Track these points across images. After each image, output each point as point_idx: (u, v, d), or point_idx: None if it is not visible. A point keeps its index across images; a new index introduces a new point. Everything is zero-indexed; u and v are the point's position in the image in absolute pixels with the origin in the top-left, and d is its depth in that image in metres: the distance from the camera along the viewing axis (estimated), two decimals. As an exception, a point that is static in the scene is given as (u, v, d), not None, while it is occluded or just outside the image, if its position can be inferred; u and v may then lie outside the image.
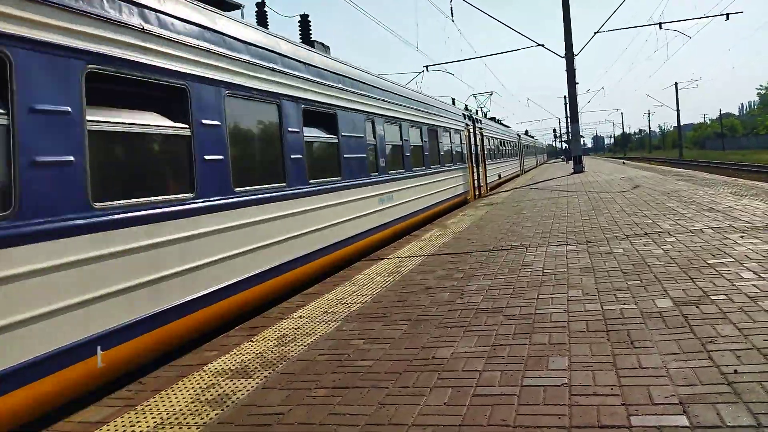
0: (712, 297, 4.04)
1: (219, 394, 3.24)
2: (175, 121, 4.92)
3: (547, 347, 3.42)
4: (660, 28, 26.58)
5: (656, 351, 3.14)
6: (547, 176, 27.37)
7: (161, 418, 2.99)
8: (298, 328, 4.53)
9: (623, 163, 38.69)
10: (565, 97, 60.04)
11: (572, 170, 27.13)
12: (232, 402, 3.11)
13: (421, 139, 12.94)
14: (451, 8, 24.18)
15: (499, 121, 33.37)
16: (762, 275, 4.45)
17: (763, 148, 66.47)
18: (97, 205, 3.97)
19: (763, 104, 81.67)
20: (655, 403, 2.52)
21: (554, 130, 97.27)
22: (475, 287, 5.25)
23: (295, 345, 4.07)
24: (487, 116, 15.63)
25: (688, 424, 2.30)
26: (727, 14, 25.14)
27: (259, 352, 3.98)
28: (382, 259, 7.61)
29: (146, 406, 3.18)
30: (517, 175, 35.00)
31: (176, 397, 3.26)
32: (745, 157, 48.00)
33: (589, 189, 16.02)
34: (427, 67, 26.62)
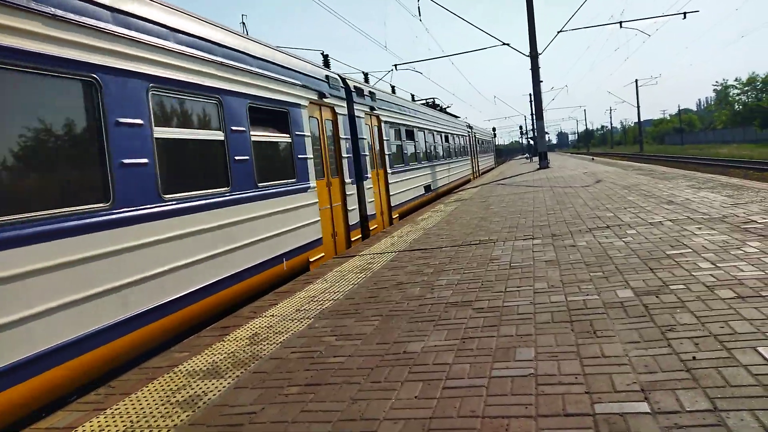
0: (671, 287, 4.20)
1: (190, 395, 3.22)
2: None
3: (514, 339, 3.50)
4: (621, 26, 27.24)
5: (618, 340, 3.25)
6: (513, 172, 27.77)
7: (131, 421, 2.95)
8: (270, 326, 4.52)
9: (592, 159, 39.30)
10: (530, 95, 61.02)
11: (538, 166, 27.61)
12: (204, 403, 3.10)
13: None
14: (419, 7, 24.04)
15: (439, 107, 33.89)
16: (719, 265, 4.63)
17: (720, 143, 68.76)
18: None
19: (720, 100, 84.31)
20: (618, 390, 2.62)
21: (520, 127, 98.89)
22: (445, 282, 5.32)
23: (267, 344, 4.07)
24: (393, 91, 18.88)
25: (649, 410, 2.40)
26: (684, 13, 25.94)
27: (231, 352, 3.96)
28: (353, 256, 7.63)
29: (115, 409, 3.14)
30: (493, 168, 43.08)
31: (146, 400, 3.23)
32: (703, 151, 49.56)
33: (554, 184, 16.33)
34: (395, 65, 26.72)
